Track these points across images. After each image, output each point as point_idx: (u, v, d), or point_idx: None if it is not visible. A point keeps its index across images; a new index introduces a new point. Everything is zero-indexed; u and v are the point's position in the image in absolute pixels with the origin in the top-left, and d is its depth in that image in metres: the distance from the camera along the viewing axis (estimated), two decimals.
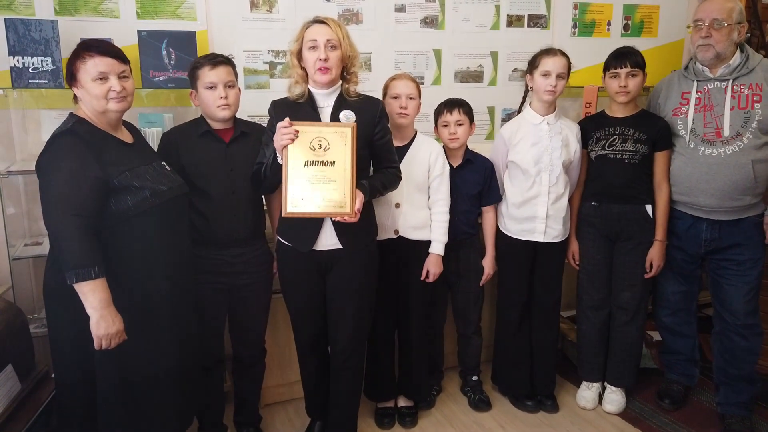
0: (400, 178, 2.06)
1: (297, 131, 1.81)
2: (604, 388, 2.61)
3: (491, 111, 3.22)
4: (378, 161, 2.02)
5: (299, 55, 1.93)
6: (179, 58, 2.42)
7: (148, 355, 1.73)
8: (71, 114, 1.72)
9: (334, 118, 1.94)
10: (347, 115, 1.94)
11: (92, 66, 1.65)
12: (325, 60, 1.86)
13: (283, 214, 1.87)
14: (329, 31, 1.86)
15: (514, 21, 3.17)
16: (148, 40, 2.38)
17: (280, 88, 2.73)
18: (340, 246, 1.97)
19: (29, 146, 2.40)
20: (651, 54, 3.06)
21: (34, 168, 2.25)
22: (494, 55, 3.17)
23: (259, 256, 2.16)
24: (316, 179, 1.84)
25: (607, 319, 2.53)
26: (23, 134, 2.39)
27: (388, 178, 2.01)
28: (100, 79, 1.66)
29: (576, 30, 3.33)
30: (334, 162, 1.84)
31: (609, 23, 3.40)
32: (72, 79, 1.68)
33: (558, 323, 2.57)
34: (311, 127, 1.84)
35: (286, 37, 2.69)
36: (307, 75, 1.94)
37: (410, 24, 2.98)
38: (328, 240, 1.96)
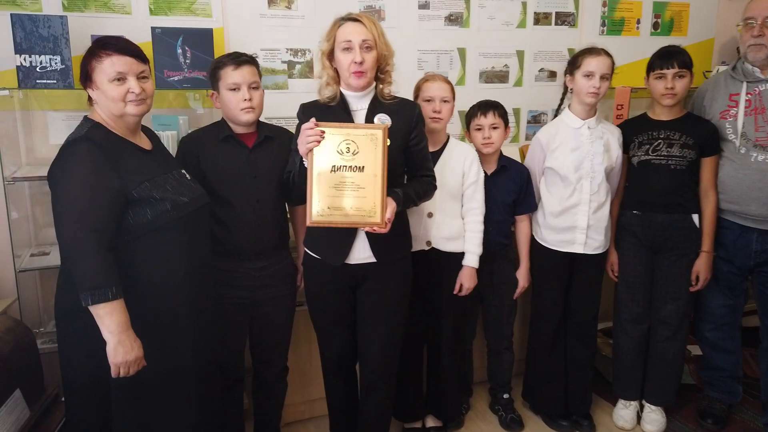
0: (436, 188, 1.92)
1: (323, 132, 1.67)
2: (641, 407, 2.47)
3: (517, 113, 3.08)
4: (412, 169, 1.89)
5: (330, 55, 1.79)
6: (195, 57, 2.28)
7: (166, 378, 1.59)
8: (86, 118, 1.58)
9: (369, 121, 1.80)
10: (382, 119, 1.80)
11: (109, 65, 1.51)
12: (361, 63, 1.72)
13: (307, 224, 1.73)
14: (364, 30, 1.72)
15: (541, 18, 3.03)
16: (163, 37, 2.24)
17: (299, 89, 2.64)
18: (373, 259, 1.83)
19: (35, 150, 2.26)
20: None
21: (40, 174, 2.15)
22: (520, 55, 3.04)
23: (284, 268, 2.02)
24: (343, 186, 1.69)
25: (646, 334, 2.39)
26: (29, 138, 2.24)
27: (424, 187, 1.87)
28: (118, 79, 1.52)
29: (605, 28, 3.19)
30: (363, 167, 1.69)
31: (638, 21, 3.27)
32: (87, 79, 1.54)
33: (595, 339, 2.43)
34: (339, 129, 1.69)
35: (305, 35, 2.59)
36: (338, 76, 1.80)
37: (434, 21, 2.84)
38: (361, 252, 1.82)
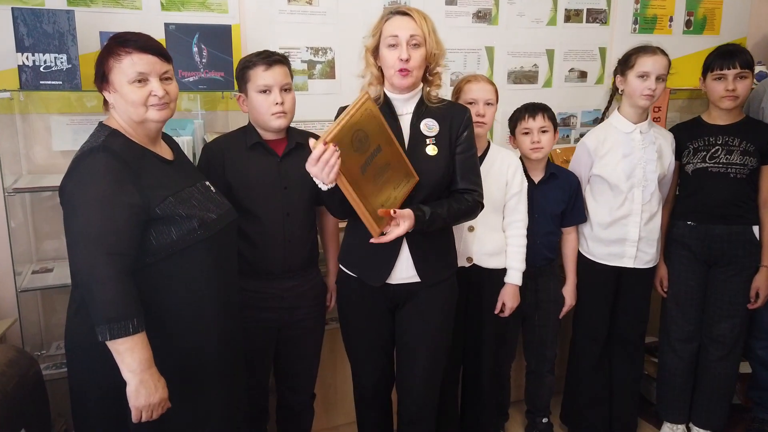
0: (482, 206, 1.70)
1: (336, 145, 1.37)
2: (688, 429, 2.31)
3: None
4: (454, 180, 1.67)
5: (375, 52, 1.62)
6: (212, 56, 2.09)
7: (192, 421, 1.41)
8: (101, 125, 1.40)
9: (415, 128, 1.63)
10: (429, 126, 1.63)
11: (129, 65, 1.32)
12: (407, 60, 1.54)
13: (373, 240, 1.50)
14: (413, 25, 1.55)
15: (572, 16, 2.87)
16: (177, 34, 2.05)
17: (319, 90, 2.47)
18: (417, 279, 1.65)
19: (37, 158, 2.06)
20: None
21: (43, 184, 1.96)
22: (550, 54, 2.87)
23: (314, 287, 1.84)
24: (379, 174, 1.48)
25: (696, 353, 2.23)
26: (31, 144, 2.05)
27: (462, 205, 1.63)
28: (139, 81, 1.34)
29: (637, 26, 3.03)
30: (379, 146, 1.49)
31: (671, 19, 3.11)
32: (103, 80, 1.36)
33: (643, 359, 2.27)
34: (339, 126, 1.39)
35: (326, 32, 2.42)
36: (383, 76, 1.63)
37: (461, 18, 2.67)
38: (403, 272, 1.65)
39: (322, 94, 2.45)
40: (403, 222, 1.48)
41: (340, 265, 1.76)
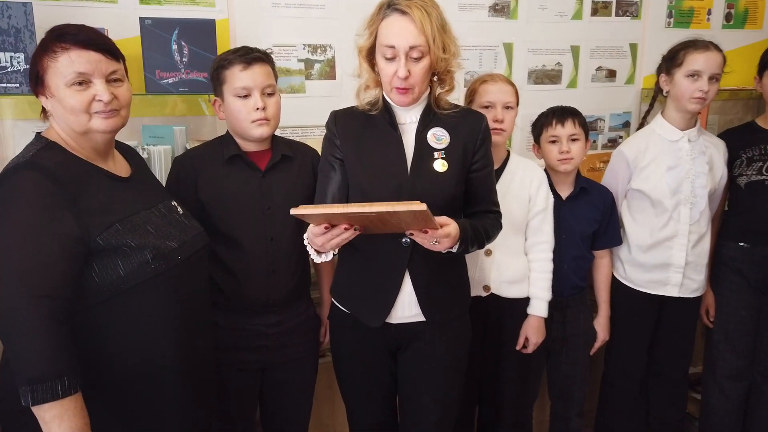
0: (501, 227, 1.46)
1: (358, 227, 1.17)
2: None
3: None
4: (472, 202, 1.43)
5: (371, 53, 1.35)
6: (194, 54, 1.85)
7: None
8: (38, 136, 1.16)
9: (421, 139, 1.37)
10: (438, 136, 1.36)
11: (66, 64, 1.08)
12: (406, 78, 1.28)
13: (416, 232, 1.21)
14: (413, 31, 1.26)
15: (599, 8, 2.59)
16: (154, 30, 1.81)
17: (318, 92, 2.21)
18: (422, 318, 1.39)
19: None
20: (754, 49, 2.48)
21: None
22: (575, 51, 2.59)
23: (304, 322, 1.59)
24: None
25: (746, 393, 1.94)
26: None
27: (488, 223, 1.40)
28: (80, 83, 1.09)
29: (671, 20, 2.74)
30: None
31: (709, 12, 2.81)
32: (38, 83, 1.11)
33: (686, 400, 1.98)
34: (368, 208, 1.11)
35: (326, 28, 2.16)
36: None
37: (477, 12, 2.40)
38: (406, 309, 1.39)
39: (321, 97, 2.20)
40: (445, 229, 1.20)
41: (333, 299, 1.50)
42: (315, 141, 2.24)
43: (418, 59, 1.29)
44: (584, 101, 2.61)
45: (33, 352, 0.99)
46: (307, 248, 1.28)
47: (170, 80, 1.85)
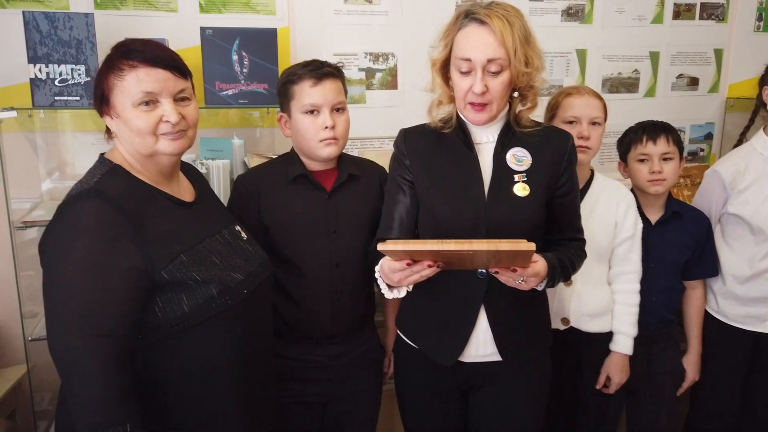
0: (586, 255, 1.33)
1: (444, 265, 1.06)
2: None
3: None
4: (555, 229, 1.29)
5: (445, 66, 1.23)
6: (254, 65, 1.78)
7: None
8: (101, 158, 1.09)
9: (500, 160, 1.24)
10: (519, 157, 1.23)
11: (134, 83, 1.01)
12: (482, 94, 1.16)
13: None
14: (492, 42, 1.14)
15: (682, 11, 2.40)
16: (215, 40, 1.75)
17: (379, 103, 2.12)
18: (498, 357, 1.27)
19: (58, 183, 1.81)
20: None
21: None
22: (654, 57, 2.41)
23: (368, 352, 1.49)
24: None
25: None
26: (52, 166, 1.80)
27: (573, 253, 1.27)
28: (146, 103, 1.02)
29: (761, 24, 2.52)
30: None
31: None
32: (103, 102, 1.05)
33: None
34: (467, 247, 0.98)
35: (388, 35, 2.07)
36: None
37: (549, 16, 2.26)
38: (480, 348, 1.26)
39: (382, 107, 2.11)
40: (534, 267, 1.09)
41: (399, 331, 1.39)
42: (374, 153, 2.15)
43: (496, 73, 1.17)
44: (663, 111, 2.43)
45: (93, 396, 0.92)
46: (378, 281, 1.17)
47: (230, 92, 1.79)
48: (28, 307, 1.68)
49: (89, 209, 0.96)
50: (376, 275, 1.17)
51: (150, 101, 1.02)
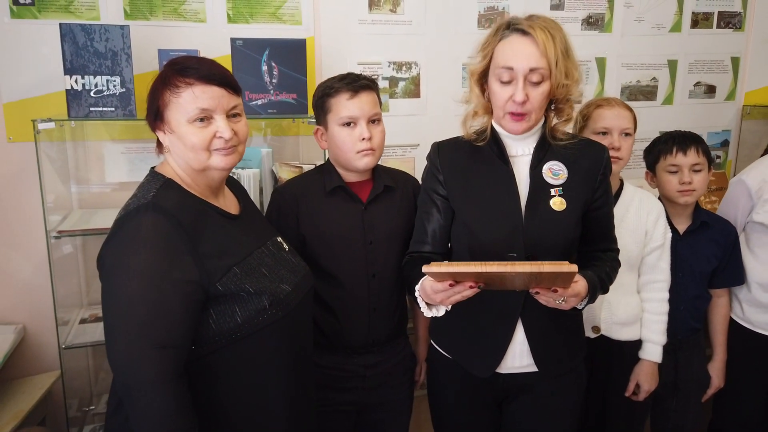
0: (620, 265, 1.34)
1: (484, 285, 1.07)
2: None
3: None
4: (591, 241, 1.30)
5: (483, 77, 1.25)
6: (283, 75, 1.80)
7: None
8: (153, 173, 1.10)
9: (536, 174, 1.25)
10: (555, 171, 1.25)
11: (190, 100, 1.03)
12: (523, 103, 1.17)
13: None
14: (535, 52, 1.16)
15: (700, 20, 2.42)
16: (245, 51, 1.77)
17: (402, 111, 2.14)
18: (534, 368, 1.28)
19: (88, 191, 1.83)
20: None
21: (94, 219, 1.71)
22: (672, 65, 2.43)
23: (401, 362, 1.50)
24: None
25: None
26: (82, 175, 1.82)
27: (609, 266, 1.28)
28: (201, 119, 1.03)
29: None
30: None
31: None
32: (157, 118, 1.06)
33: None
34: (511, 269, 1.01)
35: (412, 44, 2.10)
36: (491, 104, 1.26)
37: (569, 25, 2.27)
38: (517, 360, 1.28)
39: (405, 116, 2.14)
40: (575, 287, 1.10)
41: (433, 342, 1.40)
42: (397, 161, 2.17)
43: (537, 83, 1.18)
44: (680, 118, 2.46)
45: (153, 406, 0.94)
46: (418, 301, 1.18)
47: (259, 101, 1.80)
48: (59, 315, 1.70)
49: (147, 223, 0.98)
50: (416, 294, 1.18)
51: (205, 117, 1.04)
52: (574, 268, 0.97)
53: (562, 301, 1.11)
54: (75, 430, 1.80)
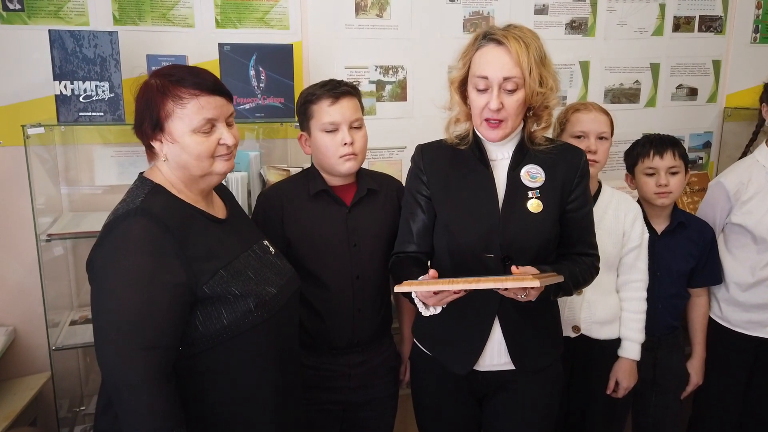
0: (598, 271, 1.37)
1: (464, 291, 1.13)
2: None
3: None
4: (566, 243, 1.34)
5: (463, 85, 1.29)
6: (270, 79, 1.83)
7: None
8: (142, 178, 1.13)
9: (514, 177, 1.29)
10: (533, 174, 1.28)
11: (196, 110, 1.06)
12: (498, 110, 1.21)
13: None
14: (508, 62, 1.20)
15: (682, 24, 2.46)
16: (232, 56, 1.79)
17: (389, 114, 2.17)
18: (511, 366, 1.32)
19: (78, 193, 1.85)
20: None
21: (84, 222, 1.74)
22: (654, 68, 2.48)
23: (386, 361, 1.54)
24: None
25: None
26: (72, 178, 1.84)
27: (581, 267, 1.31)
28: (205, 129, 1.06)
29: (758, 35, 2.60)
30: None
31: None
32: (157, 128, 1.08)
33: None
34: (475, 285, 1.07)
35: (398, 48, 2.13)
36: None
37: (553, 29, 2.32)
38: (495, 358, 1.32)
39: (392, 119, 2.17)
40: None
41: (415, 340, 1.44)
42: (384, 164, 2.20)
43: (511, 91, 1.22)
44: (663, 120, 2.50)
45: (142, 406, 0.96)
46: (416, 301, 1.21)
47: (247, 106, 1.83)
48: (50, 316, 1.73)
49: (136, 227, 1.01)
50: (413, 295, 1.20)
51: (210, 126, 1.07)
52: (537, 283, 1.01)
53: (524, 295, 1.13)
54: (66, 431, 1.82)
